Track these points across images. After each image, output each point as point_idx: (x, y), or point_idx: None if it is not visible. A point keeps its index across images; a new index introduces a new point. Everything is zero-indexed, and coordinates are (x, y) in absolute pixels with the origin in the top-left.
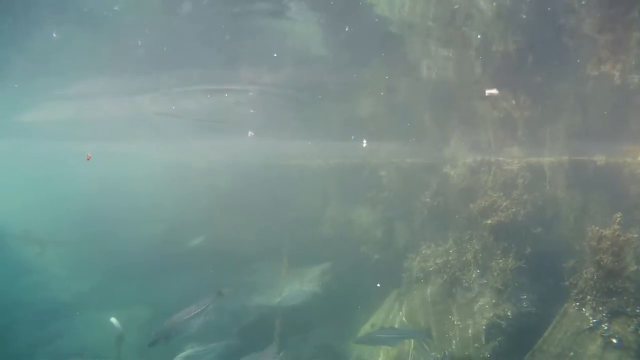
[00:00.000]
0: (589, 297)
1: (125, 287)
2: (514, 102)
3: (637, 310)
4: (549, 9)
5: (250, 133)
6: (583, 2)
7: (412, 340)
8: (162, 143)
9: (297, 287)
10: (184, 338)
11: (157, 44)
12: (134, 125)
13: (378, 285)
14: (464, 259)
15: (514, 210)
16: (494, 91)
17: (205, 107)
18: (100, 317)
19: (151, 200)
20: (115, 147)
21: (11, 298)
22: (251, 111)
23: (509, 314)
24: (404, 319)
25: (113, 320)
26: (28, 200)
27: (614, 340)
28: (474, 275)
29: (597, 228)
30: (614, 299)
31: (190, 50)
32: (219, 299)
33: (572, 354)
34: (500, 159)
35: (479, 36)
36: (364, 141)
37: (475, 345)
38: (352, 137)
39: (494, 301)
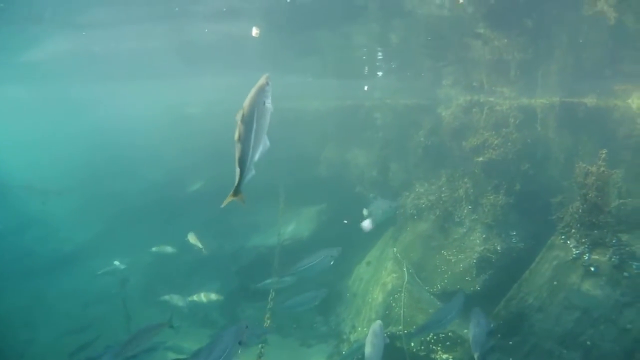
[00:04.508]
0: (573, 230)
1: (127, 234)
2: (506, 41)
3: (614, 241)
4: None
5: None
6: None
7: (406, 275)
8: (160, 83)
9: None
10: None
11: None
12: (134, 62)
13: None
14: (456, 195)
15: (504, 148)
16: None
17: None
18: (103, 264)
19: (150, 145)
20: (114, 87)
21: (19, 250)
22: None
23: (498, 248)
24: (397, 255)
25: (116, 263)
26: (29, 150)
27: (592, 269)
28: (465, 211)
29: (584, 165)
30: (595, 231)
31: None
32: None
33: (555, 283)
34: (492, 99)
35: None
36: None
37: (467, 278)
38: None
39: (484, 236)
